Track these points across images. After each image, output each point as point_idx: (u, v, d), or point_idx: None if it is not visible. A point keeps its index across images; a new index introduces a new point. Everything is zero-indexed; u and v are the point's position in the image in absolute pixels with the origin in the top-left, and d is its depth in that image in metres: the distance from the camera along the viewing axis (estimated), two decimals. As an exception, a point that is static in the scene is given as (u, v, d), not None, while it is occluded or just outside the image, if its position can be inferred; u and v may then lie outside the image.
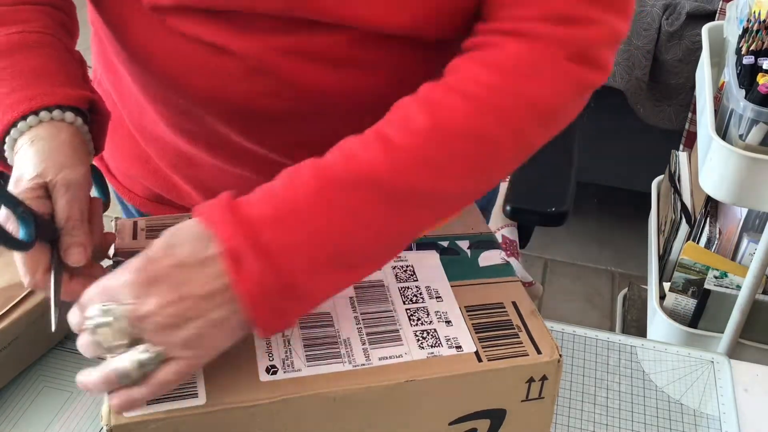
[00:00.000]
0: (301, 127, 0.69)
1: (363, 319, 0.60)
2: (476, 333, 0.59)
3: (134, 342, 0.50)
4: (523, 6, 0.57)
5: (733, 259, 1.49)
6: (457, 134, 0.55)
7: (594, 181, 2.21)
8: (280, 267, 0.50)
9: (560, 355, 0.58)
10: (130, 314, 0.50)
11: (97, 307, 0.50)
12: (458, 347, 0.58)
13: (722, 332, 1.45)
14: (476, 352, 0.58)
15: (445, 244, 0.68)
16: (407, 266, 0.65)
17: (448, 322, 0.60)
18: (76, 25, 0.69)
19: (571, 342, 0.79)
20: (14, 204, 0.55)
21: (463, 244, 0.68)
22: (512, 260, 1.83)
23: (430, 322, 0.60)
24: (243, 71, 0.65)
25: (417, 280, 0.64)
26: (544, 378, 0.58)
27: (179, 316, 0.50)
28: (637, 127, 1.96)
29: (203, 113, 0.70)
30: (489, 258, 0.67)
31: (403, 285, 0.63)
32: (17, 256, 0.57)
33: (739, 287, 1.42)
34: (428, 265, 0.65)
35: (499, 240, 1.83)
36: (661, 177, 1.86)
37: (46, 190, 0.57)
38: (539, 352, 0.58)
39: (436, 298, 0.62)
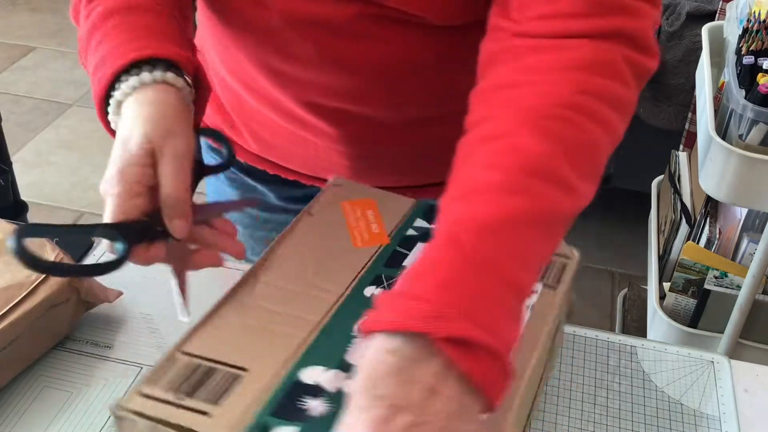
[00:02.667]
0: (322, 86, 0.73)
1: None
2: None
3: None
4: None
5: (733, 259, 1.49)
6: (576, 144, 0.55)
7: (594, 181, 2.21)
8: (500, 340, 0.49)
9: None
10: None
11: None
12: None
13: (722, 332, 1.45)
14: None
15: None
16: None
17: None
18: (191, 14, 0.70)
19: (571, 342, 0.79)
20: (94, 229, 0.54)
21: None
22: None
23: None
24: (272, 27, 0.70)
25: None
26: (563, 266, 0.62)
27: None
28: (637, 127, 1.96)
29: (240, 56, 0.76)
30: None
31: None
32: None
33: (739, 287, 1.42)
34: None
35: None
36: (661, 177, 1.86)
37: (152, 157, 0.56)
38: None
39: None
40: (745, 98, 1.21)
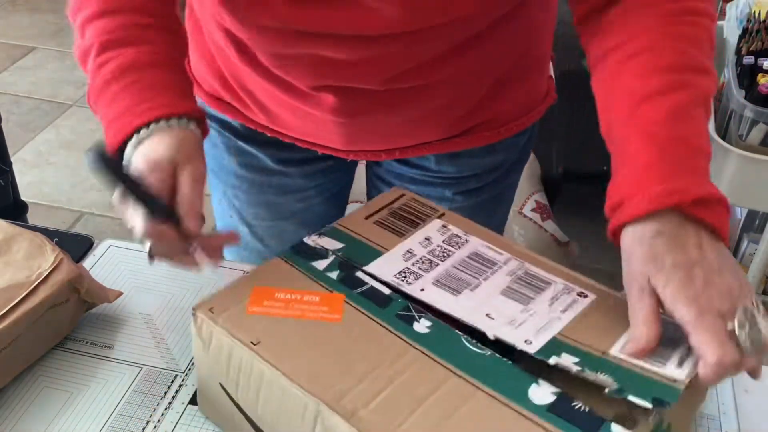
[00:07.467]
0: (338, 65, 0.78)
1: None
2: None
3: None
4: None
5: (733, 259, 1.49)
6: (700, 38, 0.70)
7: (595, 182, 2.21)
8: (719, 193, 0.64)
9: None
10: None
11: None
12: None
13: (722, 332, 1.45)
14: None
15: None
16: None
17: None
18: (186, 44, 0.79)
19: (571, 342, 0.79)
20: (136, 186, 0.65)
21: None
22: (548, 222, 1.86)
23: None
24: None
25: None
26: None
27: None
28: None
29: (251, 45, 0.81)
30: None
31: None
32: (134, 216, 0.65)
33: (739, 287, 1.41)
34: None
35: (534, 206, 1.86)
36: (661, 177, 1.86)
37: (173, 176, 0.67)
38: None
39: None
40: (745, 98, 1.21)
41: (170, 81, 0.72)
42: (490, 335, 0.62)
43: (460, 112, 0.88)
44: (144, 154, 0.67)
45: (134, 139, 0.68)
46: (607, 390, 0.57)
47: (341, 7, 0.72)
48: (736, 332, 0.59)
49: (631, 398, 0.56)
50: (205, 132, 0.73)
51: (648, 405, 0.56)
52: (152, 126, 0.68)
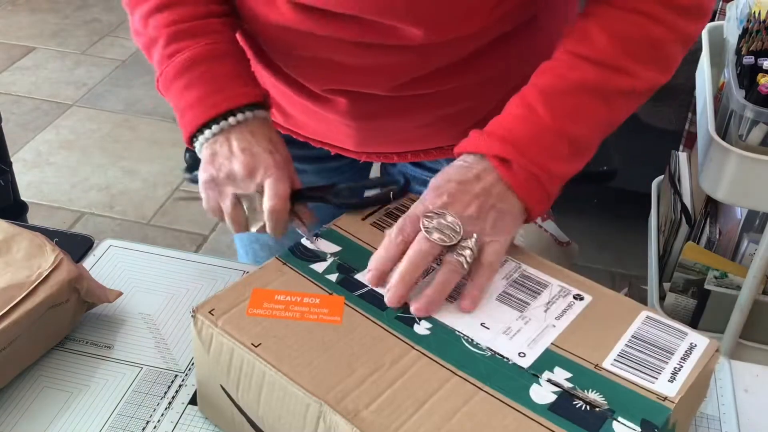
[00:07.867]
0: (334, 73, 0.82)
1: None
2: None
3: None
4: None
5: (733, 259, 1.49)
6: (634, 38, 0.72)
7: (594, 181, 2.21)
8: (539, 166, 0.70)
9: None
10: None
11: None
12: None
13: (722, 332, 1.45)
14: None
15: None
16: None
17: None
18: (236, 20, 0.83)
19: (571, 342, 0.79)
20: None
21: None
22: (548, 222, 1.85)
23: None
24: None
25: None
26: None
27: (482, 210, 0.68)
28: (637, 128, 1.96)
29: (264, 43, 0.84)
30: None
31: None
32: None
33: (739, 287, 1.42)
34: None
35: None
36: (661, 177, 1.86)
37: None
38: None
39: None
40: (745, 98, 1.21)
41: (238, 69, 0.78)
42: (485, 347, 0.62)
43: (473, 119, 0.88)
44: (266, 147, 0.75)
45: (211, 131, 0.75)
46: (597, 409, 0.57)
47: (346, 17, 0.72)
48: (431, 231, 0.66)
49: (620, 419, 0.56)
50: (269, 108, 0.80)
51: (637, 428, 0.56)
52: (229, 118, 0.75)
